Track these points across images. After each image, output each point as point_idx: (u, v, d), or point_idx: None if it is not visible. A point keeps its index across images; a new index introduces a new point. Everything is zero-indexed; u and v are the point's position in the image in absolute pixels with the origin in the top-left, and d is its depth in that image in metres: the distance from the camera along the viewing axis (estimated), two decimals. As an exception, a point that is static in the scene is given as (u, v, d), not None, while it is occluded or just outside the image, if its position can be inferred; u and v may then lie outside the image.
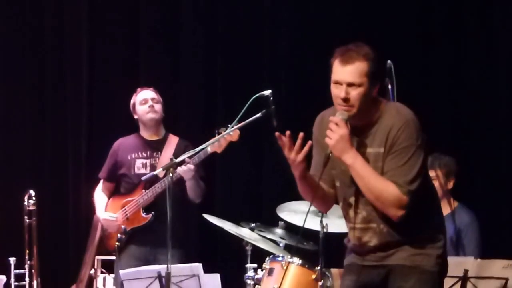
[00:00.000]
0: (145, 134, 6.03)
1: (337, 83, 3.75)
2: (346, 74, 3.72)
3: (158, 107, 5.99)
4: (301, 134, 3.77)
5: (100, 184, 6.09)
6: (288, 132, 3.76)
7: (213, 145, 5.51)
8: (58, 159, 7.40)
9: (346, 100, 3.73)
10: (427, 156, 3.84)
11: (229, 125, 5.36)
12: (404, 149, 3.73)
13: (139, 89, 6.07)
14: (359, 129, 3.79)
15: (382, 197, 3.72)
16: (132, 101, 6.04)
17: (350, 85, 3.72)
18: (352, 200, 3.86)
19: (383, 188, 3.71)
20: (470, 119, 6.68)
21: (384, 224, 3.80)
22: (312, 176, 3.87)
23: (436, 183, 5.47)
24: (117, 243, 5.69)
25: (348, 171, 3.80)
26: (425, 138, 3.80)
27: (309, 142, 3.82)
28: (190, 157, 5.52)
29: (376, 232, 3.82)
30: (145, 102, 5.98)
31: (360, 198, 3.83)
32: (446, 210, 5.68)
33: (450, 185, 5.77)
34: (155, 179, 5.69)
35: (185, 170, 5.63)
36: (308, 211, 4.23)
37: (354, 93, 3.72)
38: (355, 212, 3.86)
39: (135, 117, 6.04)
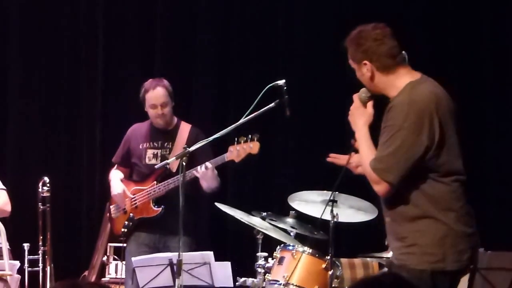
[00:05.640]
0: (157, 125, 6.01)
1: None
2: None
3: (167, 110, 5.86)
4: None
5: (114, 169, 6.09)
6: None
7: (231, 154, 5.51)
8: (73, 146, 7.43)
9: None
10: (419, 141, 3.74)
11: (250, 136, 5.42)
12: (387, 128, 3.80)
13: (147, 85, 5.88)
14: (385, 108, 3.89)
15: (366, 172, 3.85)
16: (141, 96, 5.90)
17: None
18: None
19: (365, 163, 3.83)
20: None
21: (387, 214, 3.88)
22: None
23: None
24: (123, 229, 5.72)
25: None
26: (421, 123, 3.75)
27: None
28: (206, 156, 5.58)
29: (387, 224, 3.90)
30: (154, 107, 5.85)
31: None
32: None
33: None
34: (168, 174, 5.72)
35: (202, 175, 5.62)
36: (328, 202, 4.28)
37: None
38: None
39: (146, 110, 5.96)
